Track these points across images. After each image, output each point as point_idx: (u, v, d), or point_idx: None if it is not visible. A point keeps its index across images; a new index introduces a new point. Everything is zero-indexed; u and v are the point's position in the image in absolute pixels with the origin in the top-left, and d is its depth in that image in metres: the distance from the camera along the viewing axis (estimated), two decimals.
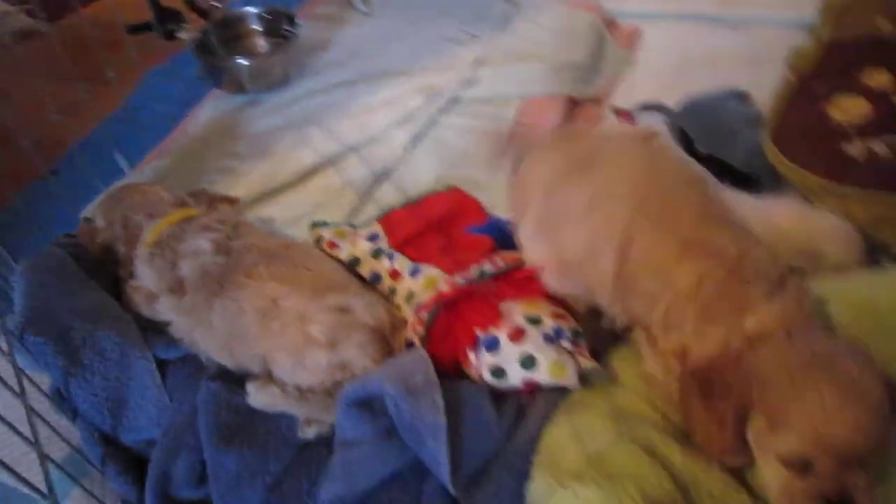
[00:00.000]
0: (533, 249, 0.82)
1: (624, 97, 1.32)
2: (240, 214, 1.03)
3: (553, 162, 0.80)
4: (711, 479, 0.66)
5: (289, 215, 1.11)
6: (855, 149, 0.92)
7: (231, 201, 1.07)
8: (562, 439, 0.70)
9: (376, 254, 0.95)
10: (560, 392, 0.75)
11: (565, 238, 0.75)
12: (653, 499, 0.61)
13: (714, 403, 0.63)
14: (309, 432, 0.80)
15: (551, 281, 0.79)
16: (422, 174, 1.18)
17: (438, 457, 0.68)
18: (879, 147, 0.91)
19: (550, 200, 0.77)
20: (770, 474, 0.60)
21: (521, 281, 0.80)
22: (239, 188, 1.18)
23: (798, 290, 0.66)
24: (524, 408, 0.78)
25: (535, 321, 0.75)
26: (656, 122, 1.18)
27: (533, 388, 0.75)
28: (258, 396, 0.81)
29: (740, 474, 0.66)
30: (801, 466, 0.57)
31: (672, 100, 1.21)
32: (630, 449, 0.66)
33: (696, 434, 0.67)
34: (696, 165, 0.87)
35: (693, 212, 0.69)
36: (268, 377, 0.83)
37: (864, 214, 0.90)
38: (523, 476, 0.69)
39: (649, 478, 0.63)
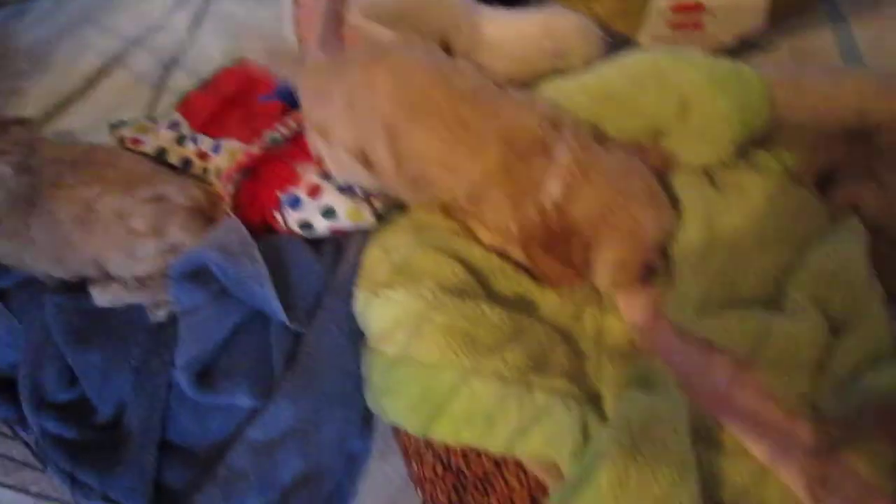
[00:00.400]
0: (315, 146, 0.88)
1: None
2: (34, 133, 1.02)
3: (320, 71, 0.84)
4: (505, 266, 0.81)
5: (86, 123, 1.10)
6: None
7: (22, 122, 1.05)
8: (373, 257, 0.81)
9: (180, 140, 0.98)
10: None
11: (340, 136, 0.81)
12: (448, 287, 0.74)
13: (557, 251, 0.75)
14: (159, 314, 0.87)
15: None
16: (211, 53, 1.18)
17: (270, 301, 0.78)
18: None
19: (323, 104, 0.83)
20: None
21: None
22: (28, 107, 1.14)
23: (572, 128, 0.76)
24: (342, 244, 0.88)
25: (328, 176, 0.83)
26: None
27: (339, 233, 0.85)
28: (102, 296, 0.87)
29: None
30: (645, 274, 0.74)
31: None
32: (427, 252, 0.78)
33: (548, 277, 0.79)
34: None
35: (454, 102, 0.76)
36: (106, 277, 0.89)
37: (602, 10, 1.01)
38: (350, 298, 0.81)
39: (444, 272, 0.76)
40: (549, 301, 0.81)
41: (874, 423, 0.65)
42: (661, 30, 0.97)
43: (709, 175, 0.85)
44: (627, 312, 0.80)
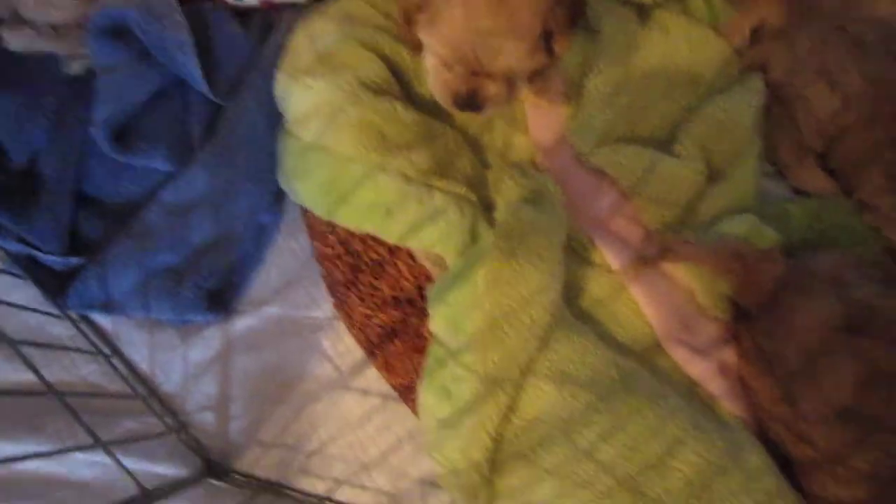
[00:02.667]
0: None
1: None
2: None
3: None
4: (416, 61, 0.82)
5: None
6: None
7: None
8: (299, 42, 0.81)
9: None
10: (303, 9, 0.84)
11: None
12: (366, 83, 0.76)
13: None
14: (75, 67, 0.86)
15: None
16: None
17: (191, 69, 0.79)
18: None
19: None
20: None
21: None
22: None
23: None
24: (271, 23, 0.87)
25: None
26: None
27: (271, 6, 0.84)
28: (14, 39, 0.84)
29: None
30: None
31: None
32: (351, 45, 0.78)
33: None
34: None
35: None
36: (19, 19, 0.85)
37: None
38: (273, 79, 0.82)
39: (365, 67, 0.78)
40: None
41: (716, 256, 0.75)
42: None
43: (638, 8, 0.87)
44: (534, 130, 0.85)
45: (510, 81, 0.72)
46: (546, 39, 0.71)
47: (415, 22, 0.72)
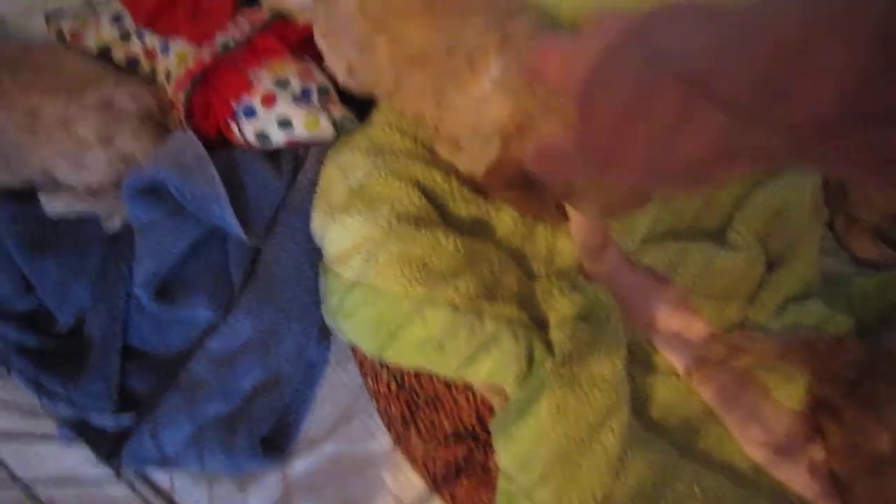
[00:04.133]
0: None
1: None
2: None
3: None
4: (463, 188, 0.81)
5: (19, 8, 1.02)
6: None
7: None
8: (331, 177, 0.81)
9: (125, 36, 0.93)
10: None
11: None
12: (404, 215, 0.75)
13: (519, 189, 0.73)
14: (114, 224, 0.87)
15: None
16: None
17: (227, 219, 0.79)
18: None
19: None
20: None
21: (265, 50, 0.83)
22: None
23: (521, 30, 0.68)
24: (301, 157, 0.88)
25: (283, 84, 0.81)
26: None
27: (297, 145, 0.84)
28: (53, 205, 0.86)
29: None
30: None
31: None
32: (383, 177, 0.77)
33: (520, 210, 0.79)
34: None
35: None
36: (55, 185, 0.87)
37: None
38: (308, 215, 0.82)
39: (401, 199, 0.77)
40: (504, 221, 0.83)
41: (787, 348, 0.71)
42: None
43: None
44: (577, 234, 0.83)
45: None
46: None
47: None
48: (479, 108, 0.68)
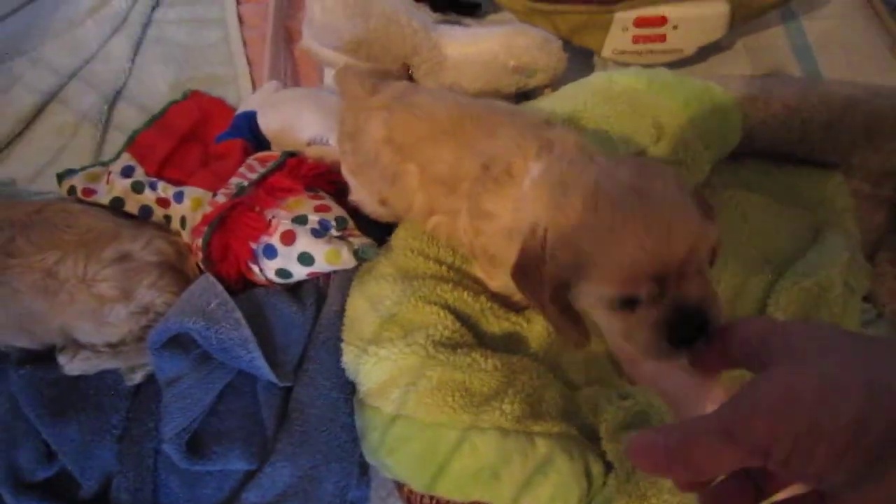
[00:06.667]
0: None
1: None
2: None
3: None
4: (493, 305, 0.80)
5: (29, 171, 1.04)
6: None
7: None
8: (358, 308, 0.80)
9: (137, 187, 0.94)
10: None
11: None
12: (440, 340, 0.73)
13: (534, 289, 0.61)
14: (135, 377, 0.84)
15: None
16: (156, 84, 1.12)
17: (256, 363, 0.76)
18: None
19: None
20: (609, 328, 0.57)
21: (280, 189, 0.84)
22: None
23: (563, 136, 0.66)
24: (322, 289, 0.86)
25: (301, 220, 0.81)
26: None
27: (318, 276, 0.83)
28: (73, 365, 0.83)
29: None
30: (627, 304, 0.53)
31: None
32: (414, 304, 0.76)
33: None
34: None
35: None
36: (75, 344, 0.85)
37: (565, 25, 1.00)
38: (337, 350, 0.79)
39: (435, 324, 0.75)
40: (536, 333, 0.81)
41: None
42: (624, 44, 0.96)
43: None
44: (610, 338, 0.81)
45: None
46: None
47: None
48: (517, 207, 0.65)
